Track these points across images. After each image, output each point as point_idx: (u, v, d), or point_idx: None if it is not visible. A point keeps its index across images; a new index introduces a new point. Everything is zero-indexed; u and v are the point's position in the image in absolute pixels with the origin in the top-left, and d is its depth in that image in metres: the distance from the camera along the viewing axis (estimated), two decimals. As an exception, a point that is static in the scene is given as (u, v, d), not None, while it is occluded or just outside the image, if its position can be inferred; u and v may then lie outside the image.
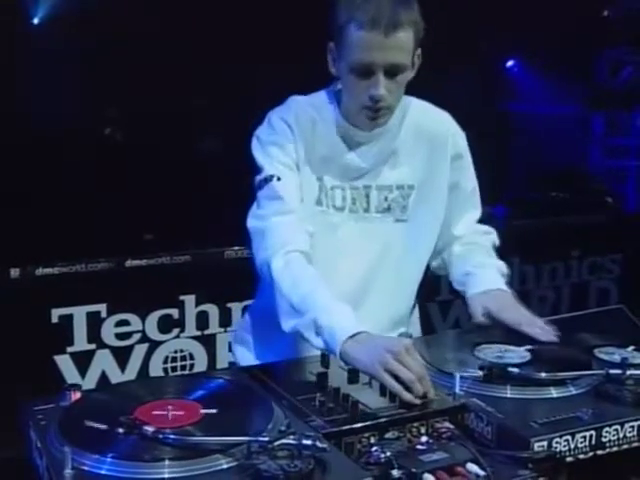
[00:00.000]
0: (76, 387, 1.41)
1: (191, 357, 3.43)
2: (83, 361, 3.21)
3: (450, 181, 1.96)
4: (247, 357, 1.98)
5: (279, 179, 1.80)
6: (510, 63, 7.57)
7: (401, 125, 1.88)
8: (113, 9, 5.19)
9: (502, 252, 4.39)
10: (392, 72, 1.73)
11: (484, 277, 1.93)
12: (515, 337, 1.70)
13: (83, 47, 5.18)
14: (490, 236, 2.09)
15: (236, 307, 3.43)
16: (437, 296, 4.18)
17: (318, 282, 1.69)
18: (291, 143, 1.83)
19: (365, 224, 1.88)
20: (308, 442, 1.18)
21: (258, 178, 1.84)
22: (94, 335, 3.21)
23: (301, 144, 1.83)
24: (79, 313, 3.17)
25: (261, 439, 1.20)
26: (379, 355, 1.47)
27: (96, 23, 5.19)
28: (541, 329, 1.73)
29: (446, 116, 1.99)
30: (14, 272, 3.10)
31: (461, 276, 1.96)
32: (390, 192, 1.89)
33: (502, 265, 2.00)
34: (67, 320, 3.15)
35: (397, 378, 1.44)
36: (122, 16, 5.20)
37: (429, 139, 1.92)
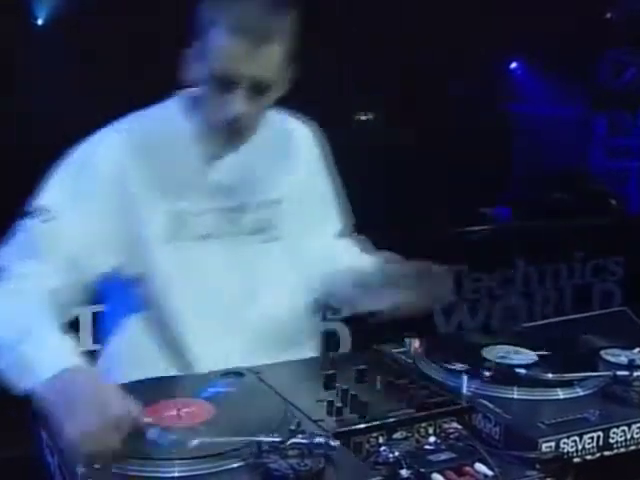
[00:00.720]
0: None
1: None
2: (88, 361, 3.20)
3: (318, 190, 1.82)
4: None
5: (46, 221, 1.52)
6: (513, 65, 7.57)
7: (262, 136, 1.66)
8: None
9: (506, 253, 4.42)
10: (257, 88, 1.53)
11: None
12: (524, 339, 1.71)
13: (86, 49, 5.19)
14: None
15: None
16: (440, 297, 4.19)
17: (41, 314, 1.43)
18: (106, 182, 1.56)
19: (235, 249, 1.67)
20: (320, 440, 1.19)
21: (35, 203, 1.56)
22: (100, 336, 3.20)
23: (138, 175, 1.58)
24: (85, 313, 3.18)
25: (272, 439, 1.20)
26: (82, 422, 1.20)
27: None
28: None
29: (304, 125, 1.84)
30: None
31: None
32: (260, 210, 1.70)
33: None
34: (72, 321, 3.15)
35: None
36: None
37: (290, 148, 1.77)
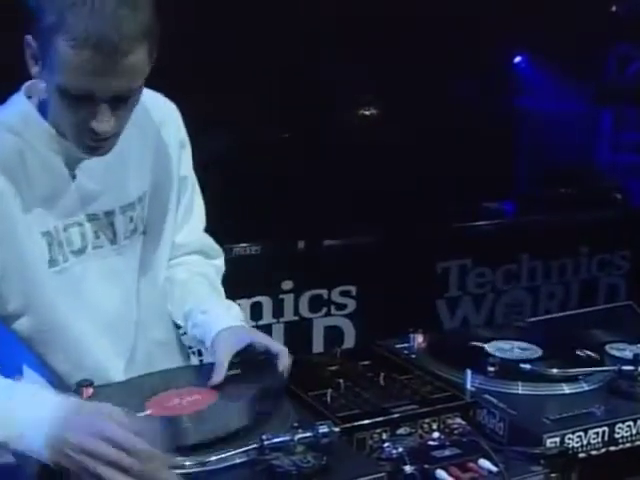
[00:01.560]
0: (88, 383, 1.41)
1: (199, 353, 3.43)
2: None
3: (179, 174, 1.64)
4: None
5: None
6: (518, 59, 7.54)
7: (125, 134, 1.44)
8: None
9: (510, 248, 4.41)
10: (121, 100, 1.32)
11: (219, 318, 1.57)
12: (528, 334, 1.70)
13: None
14: (217, 262, 1.78)
15: (244, 304, 3.43)
16: (445, 293, 4.18)
17: None
18: None
19: (115, 258, 1.53)
20: (325, 429, 1.20)
21: None
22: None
23: (7, 201, 1.38)
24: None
25: (277, 439, 1.19)
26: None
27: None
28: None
29: (163, 100, 1.63)
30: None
31: (192, 316, 1.61)
32: (134, 210, 1.54)
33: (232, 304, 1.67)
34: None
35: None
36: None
37: (151, 136, 1.57)
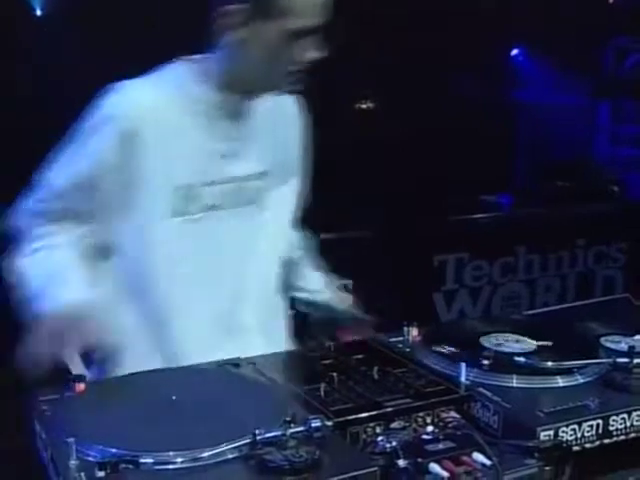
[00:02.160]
0: (81, 378, 1.41)
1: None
2: (87, 353, 3.20)
3: (296, 165, 1.86)
4: None
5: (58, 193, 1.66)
6: (515, 52, 7.53)
7: (260, 109, 1.74)
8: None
9: (508, 241, 4.41)
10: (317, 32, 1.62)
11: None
12: (523, 327, 1.70)
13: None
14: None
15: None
16: (442, 286, 4.19)
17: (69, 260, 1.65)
18: (110, 156, 1.61)
19: (237, 219, 1.73)
20: (317, 423, 1.19)
21: (49, 168, 1.68)
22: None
23: (142, 150, 1.61)
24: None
25: (269, 434, 1.19)
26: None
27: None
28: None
29: (293, 99, 1.86)
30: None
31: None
32: (256, 181, 1.75)
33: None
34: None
35: None
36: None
37: (282, 121, 1.81)
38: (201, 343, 1.66)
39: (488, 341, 1.63)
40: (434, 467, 1.18)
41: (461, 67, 5.94)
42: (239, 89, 1.66)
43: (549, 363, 1.49)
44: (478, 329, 1.71)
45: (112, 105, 1.63)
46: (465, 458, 1.21)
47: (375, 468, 1.17)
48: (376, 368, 1.50)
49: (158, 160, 1.62)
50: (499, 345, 1.60)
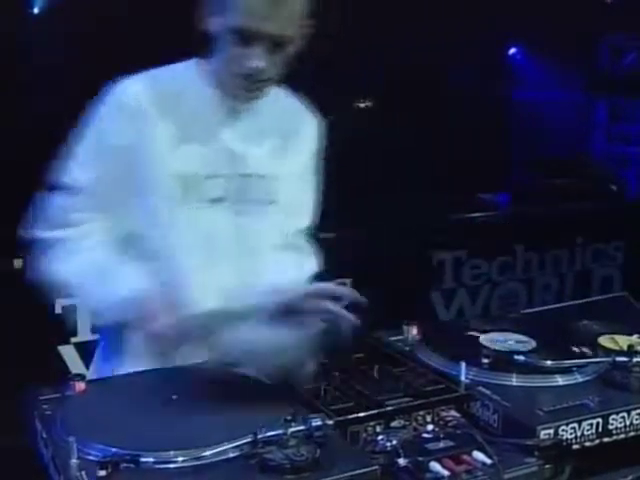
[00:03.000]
0: (81, 377, 1.41)
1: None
2: (87, 351, 3.21)
3: (308, 170, 1.85)
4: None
5: (80, 189, 1.65)
6: (512, 50, 7.52)
7: (274, 111, 1.74)
8: None
9: (506, 239, 4.41)
10: (277, 44, 1.57)
11: None
12: (522, 325, 1.70)
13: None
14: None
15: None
16: (440, 285, 4.19)
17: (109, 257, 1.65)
18: (122, 138, 1.62)
19: (242, 215, 1.72)
20: (318, 423, 1.19)
21: (66, 165, 1.66)
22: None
23: (151, 133, 1.63)
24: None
25: (270, 433, 1.19)
26: None
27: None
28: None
29: (306, 106, 1.86)
30: (17, 263, 3.10)
31: None
32: (266, 181, 1.75)
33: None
34: (71, 311, 3.15)
35: None
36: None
37: (298, 130, 1.80)
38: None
39: (488, 340, 1.63)
40: (435, 466, 1.19)
41: (459, 66, 5.94)
42: (222, 88, 1.67)
43: (548, 362, 1.49)
44: (477, 328, 1.71)
45: (121, 91, 1.65)
46: (465, 457, 1.21)
47: (376, 467, 1.17)
48: (376, 367, 1.50)
49: (163, 145, 1.64)
50: (499, 344, 1.60)
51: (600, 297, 2.35)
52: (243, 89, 1.63)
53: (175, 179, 1.65)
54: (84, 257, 1.65)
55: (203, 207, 1.68)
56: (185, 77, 1.69)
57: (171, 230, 1.68)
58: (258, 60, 1.56)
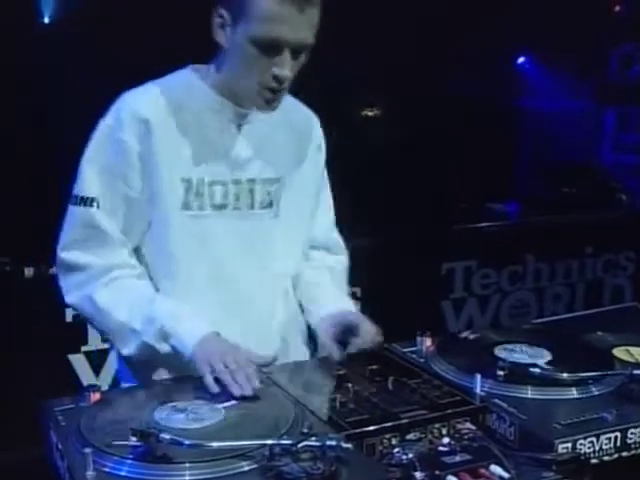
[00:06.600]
0: (95, 388, 1.41)
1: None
2: (97, 360, 3.21)
3: (317, 172, 1.86)
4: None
5: (99, 205, 1.62)
6: (521, 59, 7.52)
7: (277, 115, 1.69)
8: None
9: (515, 249, 4.40)
10: (298, 51, 1.57)
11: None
12: (537, 337, 1.69)
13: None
14: (341, 257, 1.97)
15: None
16: (450, 294, 4.17)
17: (151, 291, 1.65)
18: (135, 145, 1.61)
19: (248, 222, 1.71)
20: (332, 443, 1.17)
21: (76, 191, 1.65)
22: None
23: (158, 141, 1.61)
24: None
25: (284, 442, 1.19)
26: (210, 356, 1.50)
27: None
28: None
29: (306, 108, 1.86)
30: (28, 271, 3.10)
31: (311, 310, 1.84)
32: (271, 185, 1.73)
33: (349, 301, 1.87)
34: (81, 319, 3.15)
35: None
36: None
37: (296, 130, 1.79)
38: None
39: (503, 352, 1.62)
40: (452, 479, 1.18)
41: (468, 75, 5.94)
42: (232, 98, 1.65)
43: (564, 374, 1.48)
44: (492, 339, 1.70)
45: (128, 101, 1.64)
46: (483, 470, 1.20)
47: (392, 480, 1.17)
48: (391, 379, 1.50)
49: (170, 150, 1.62)
50: (514, 356, 1.59)
51: (611, 307, 2.34)
52: (264, 101, 1.61)
53: (179, 183, 1.63)
54: (125, 287, 1.64)
55: (209, 213, 1.66)
56: (188, 85, 1.67)
57: (177, 237, 1.65)
58: (287, 69, 1.56)
